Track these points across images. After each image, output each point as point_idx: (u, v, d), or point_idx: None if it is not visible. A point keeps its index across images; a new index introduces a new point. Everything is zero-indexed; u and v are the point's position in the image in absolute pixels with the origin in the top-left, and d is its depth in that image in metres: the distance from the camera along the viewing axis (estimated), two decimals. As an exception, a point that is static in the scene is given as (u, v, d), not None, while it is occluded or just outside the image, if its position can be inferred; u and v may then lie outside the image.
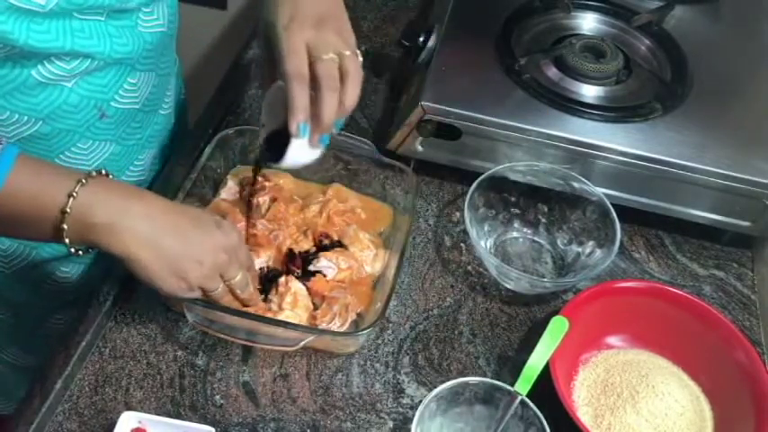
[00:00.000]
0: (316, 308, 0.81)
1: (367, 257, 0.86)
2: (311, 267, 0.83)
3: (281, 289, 0.80)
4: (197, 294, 0.72)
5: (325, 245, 0.86)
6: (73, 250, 0.67)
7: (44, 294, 0.93)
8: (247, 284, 0.75)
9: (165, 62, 0.88)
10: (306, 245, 0.86)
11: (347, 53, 0.74)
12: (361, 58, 0.75)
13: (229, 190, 0.91)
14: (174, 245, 0.68)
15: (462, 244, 0.94)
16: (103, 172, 0.69)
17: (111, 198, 0.67)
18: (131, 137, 0.87)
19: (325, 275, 0.83)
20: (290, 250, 0.84)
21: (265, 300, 0.80)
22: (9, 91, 0.72)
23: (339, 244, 0.86)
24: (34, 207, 0.65)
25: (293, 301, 0.79)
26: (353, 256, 0.85)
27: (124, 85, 0.80)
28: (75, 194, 0.64)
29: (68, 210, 0.64)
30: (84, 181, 0.65)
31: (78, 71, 0.74)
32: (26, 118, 0.75)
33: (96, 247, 0.67)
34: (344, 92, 0.72)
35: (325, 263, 0.83)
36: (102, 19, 0.73)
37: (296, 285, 0.81)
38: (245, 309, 0.77)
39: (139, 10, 0.77)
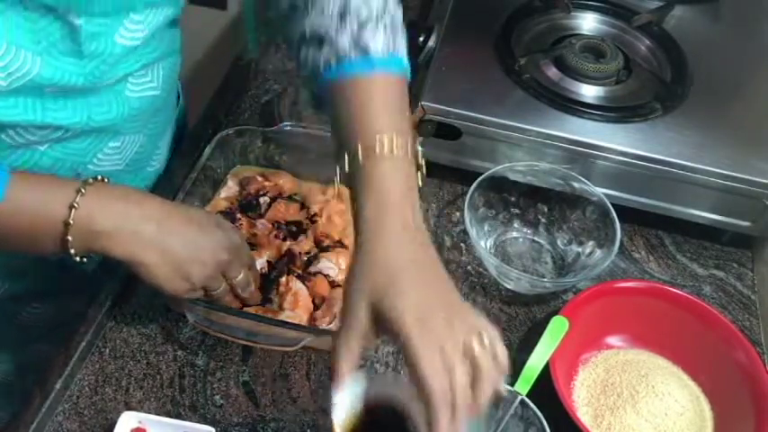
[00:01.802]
0: (317, 308, 0.81)
1: None
2: (312, 268, 0.83)
3: (281, 289, 0.80)
4: (199, 294, 0.72)
5: (326, 246, 0.86)
6: (78, 259, 0.66)
7: (15, 330, 0.91)
8: (249, 284, 0.76)
9: (156, 122, 0.83)
10: (306, 245, 0.86)
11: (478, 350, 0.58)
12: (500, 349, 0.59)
13: (229, 190, 0.91)
14: (178, 247, 0.68)
15: (462, 244, 0.93)
16: (99, 178, 0.67)
17: (112, 203, 0.66)
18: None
19: (326, 276, 0.83)
20: (290, 250, 0.84)
21: (266, 300, 0.80)
22: None
23: (340, 244, 0.86)
24: (35, 221, 0.64)
25: (293, 302, 0.79)
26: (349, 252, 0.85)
27: (104, 149, 0.77)
28: (76, 205, 0.63)
29: (71, 221, 0.63)
30: (83, 190, 0.64)
31: (51, 138, 0.72)
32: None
33: (100, 253, 0.66)
34: (477, 392, 0.57)
35: (326, 263, 0.83)
36: (78, 90, 0.69)
37: (296, 285, 0.81)
38: (245, 309, 0.77)
39: (130, 75, 0.73)
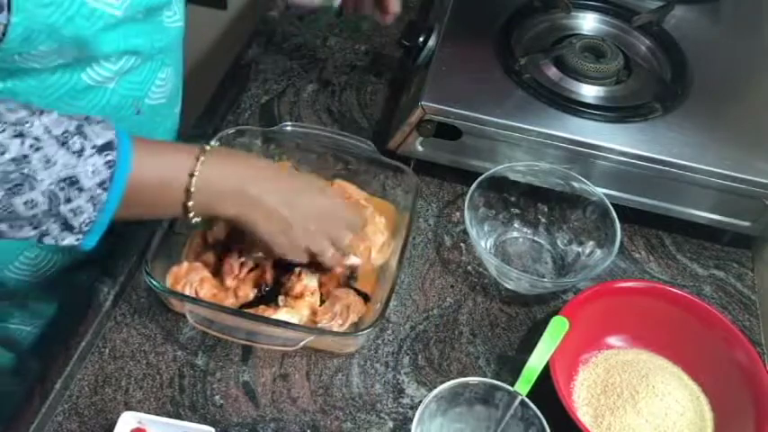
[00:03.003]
0: (323, 303, 0.81)
1: (377, 242, 0.86)
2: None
3: (292, 278, 0.80)
4: (305, 258, 0.77)
5: None
6: (195, 220, 0.71)
7: (68, 298, 0.94)
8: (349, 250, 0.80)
9: (180, 57, 0.92)
10: None
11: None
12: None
13: None
14: (283, 209, 0.73)
15: (462, 244, 0.94)
16: (213, 144, 0.73)
17: (226, 168, 0.72)
18: (155, 131, 0.90)
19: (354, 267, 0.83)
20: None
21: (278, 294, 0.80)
22: (59, 96, 0.75)
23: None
24: (160, 190, 0.69)
25: (300, 293, 0.79)
26: (366, 236, 0.85)
27: (156, 81, 0.85)
28: (197, 173, 0.69)
29: (192, 189, 0.69)
30: (201, 158, 0.69)
31: (123, 70, 0.78)
32: None
33: (214, 214, 0.72)
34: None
35: (353, 258, 0.83)
36: (141, 17, 0.76)
37: (308, 279, 0.80)
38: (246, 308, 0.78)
39: (164, 8, 0.80)
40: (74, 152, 0.62)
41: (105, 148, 0.63)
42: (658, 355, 0.83)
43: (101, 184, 0.63)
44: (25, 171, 0.60)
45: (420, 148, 0.96)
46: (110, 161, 0.63)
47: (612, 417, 0.76)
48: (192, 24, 0.93)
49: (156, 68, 0.84)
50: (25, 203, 0.61)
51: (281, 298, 0.79)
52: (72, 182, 0.62)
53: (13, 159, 0.59)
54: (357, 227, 0.81)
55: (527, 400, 0.71)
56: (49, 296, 0.95)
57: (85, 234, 0.65)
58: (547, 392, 0.73)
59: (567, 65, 0.98)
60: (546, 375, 0.74)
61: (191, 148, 0.70)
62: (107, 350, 0.79)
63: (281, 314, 0.78)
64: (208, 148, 0.70)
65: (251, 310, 0.78)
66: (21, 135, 0.60)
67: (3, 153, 0.59)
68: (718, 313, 0.82)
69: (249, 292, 0.80)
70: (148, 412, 0.74)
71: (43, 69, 0.72)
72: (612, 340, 0.84)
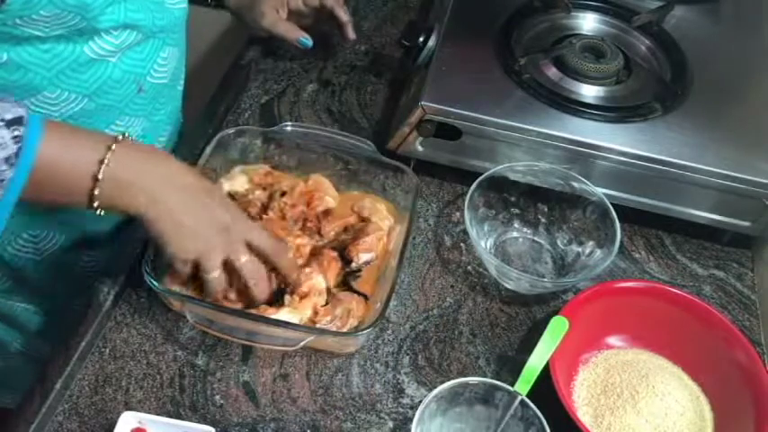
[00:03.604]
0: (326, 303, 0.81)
1: (387, 228, 0.87)
2: (354, 265, 0.83)
3: (301, 277, 0.80)
4: (186, 269, 0.73)
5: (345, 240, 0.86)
6: (99, 212, 0.69)
7: (71, 281, 0.97)
8: (255, 270, 0.75)
9: (183, 39, 0.93)
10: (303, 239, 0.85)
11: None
12: None
13: (234, 185, 0.90)
14: (185, 215, 0.71)
15: (462, 244, 0.94)
16: (126, 135, 0.70)
17: (137, 161, 0.69)
18: (158, 112, 0.92)
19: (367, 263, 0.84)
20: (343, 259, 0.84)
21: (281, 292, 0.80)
22: (62, 69, 0.76)
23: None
24: (66, 175, 0.67)
25: (306, 293, 0.79)
26: (378, 226, 0.85)
27: (158, 59, 0.86)
28: (106, 161, 0.67)
29: (100, 176, 0.66)
30: (113, 147, 0.67)
31: (124, 45, 0.80)
32: (74, 96, 0.79)
33: (120, 208, 0.69)
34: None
35: (364, 256, 0.83)
36: None
37: (317, 280, 0.80)
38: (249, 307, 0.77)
39: None
40: None
41: (14, 122, 0.62)
42: (658, 355, 0.83)
43: (6, 160, 0.61)
44: None
45: (420, 148, 0.96)
46: (17, 136, 0.61)
47: (612, 417, 0.76)
48: (192, 24, 0.94)
49: (159, 47, 0.86)
50: None
51: (287, 297, 0.79)
52: None
53: None
54: (265, 248, 0.76)
55: (527, 400, 0.71)
56: (51, 275, 0.96)
57: None
58: (547, 392, 0.73)
59: (567, 65, 0.98)
60: (546, 375, 0.74)
61: (104, 136, 0.69)
62: (107, 350, 0.79)
63: (282, 314, 0.78)
64: (121, 138, 0.69)
65: (251, 310, 0.78)
66: None
67: None
68: (718, 313, 0.82)
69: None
70: (149, 412, 0.74)
71: (46, 38, 0.73)
72: (612, 340, 0.84)
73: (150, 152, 0.73)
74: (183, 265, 0.73)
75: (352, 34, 1.08)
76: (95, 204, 0.68)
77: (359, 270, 0.84)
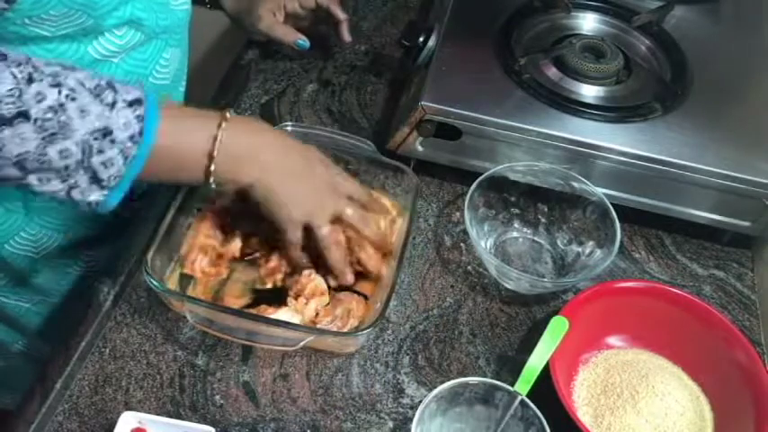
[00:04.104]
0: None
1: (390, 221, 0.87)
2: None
3: (302, 279, 0.80)
4: (299, 234, 0.77)
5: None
6: (213, 186, 0.72)
7: (70, 280, 0.98)
8: (363, 218, 0.80)
9: (185, 40, 0.94)
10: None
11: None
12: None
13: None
14: (293, 180, 0.75)
15: (462, 244, 0.94)
16: (231, 111, 0.73)
17: (246, 135, 0.73)
18: None
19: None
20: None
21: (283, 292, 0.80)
22: None
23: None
24: (182, 153, 0.70)
25: (311, 294, 0.79)
26: (376, 221, 0.85)
27: (160, 60, 0.87)
28: (219, 137, 0.70)
29: (215, 153, 0.70)
30: (223, 124, 0.71)
31: (128, 46, 0.81)
32: None
33: (232, 181, 0.73)
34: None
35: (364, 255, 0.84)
36: None
37: (318, 280, 0.80)
38: (251, 308, 0.78)
39: None
40: (107, 104, 0.64)
41: (135, 103, 0.65)
42: (658, 355, 0.83)
43: (131, 138, 0.65)
44: (62, 119, 0.61)
45: (420, 148, 0.96)
46: (139, 115, 0.65)
47: (612, 417, 0.76)
48: (192, 25, 0.94)
49: (161, 48, 0.86)
50: (60, 152, 0.62)
51: (290, 300, 0.79)
52: (105, 133, 0.63)
53: (51, 107, 0.61)
54: (364, 199, 0.82)
55: (527, 400, 0.71)
56: (50, 274, 0.96)
57: (111, 190, 0.66)
58: (547, 392, 0.73)
59: (567, 65, 0.98)
60: (546, 375, 0.74)
61: (214, 114, 0.72)
62: (107, 350, 0.79)
63: (282, 314, 0.78)
64: (228, 115, 0.72)
65: (251, 310, 0.78)
66: (58, 85, 0.62)
67: (41, 101, 0.61)
68: (718, 313, 0.82)
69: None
70: (149, 412, 0.74)
71: (52, 38, 0.73)
72: (612, 340, 0.84)
73: (255, 124, 0.77)
74: (296, 228, 0.76)
75: (347, 36, 1.09)
76: (211, 179, 0.71)
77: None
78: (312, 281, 0.80)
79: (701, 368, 0.81)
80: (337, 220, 0.78)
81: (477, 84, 0.95)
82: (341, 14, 1.07)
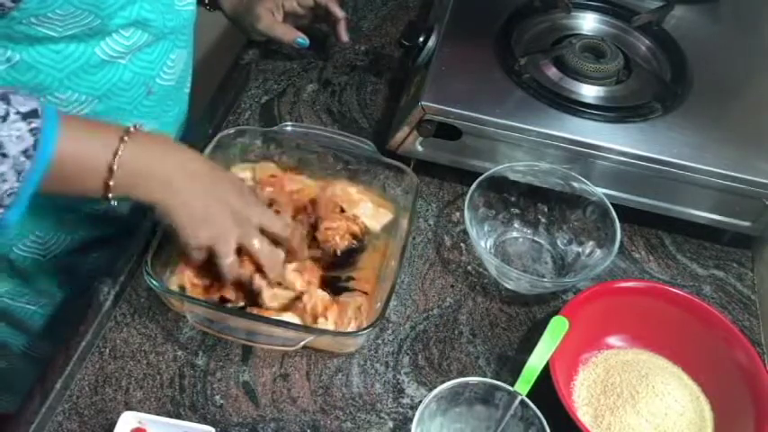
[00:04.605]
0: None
1: (366, 211, 0.86)
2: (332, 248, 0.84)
3: (308, 306, 0.79)
4: (203, 255, 0.74)
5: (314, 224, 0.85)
6: (113, 203, 0.70)
7: (75, 282, 0.97)
8: (272, 253, 0.77)
9: (190, 41, 0.93)
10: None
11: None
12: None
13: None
14: (200, 203, 0.72)
15: (462, 244, 0.94)
16: (138, 126, 0.71)
17: (149, 151, 0.71)
18: (166, 114, 0.92)
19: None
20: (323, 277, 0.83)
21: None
22: (73, 70, 0.77)
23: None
24: (82, 166, 0.68)
25: (323, 311, 0.78)
26: (354, 219, 0.85)
27: (167, 61, 0.87)
28: (120, 151, 0.68)
29: (115, 167, 0.68)
30: (125, 138, 0.69)
31: (135, 47, 0.81)
32: (84, 97, 0.80)
33: (134, 198, 0.71)
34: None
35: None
36: None
37: (316, 295, 0.79)
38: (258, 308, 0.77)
39: None
40: None
41: (30, 115, 0.62)
42: (658, 355, 0.83)
43: (24, 152, 0.62)
44: None
45: (420, 148, 0.96)
46: (34, 128, 0.62)
47: (612, 417, 0.76)
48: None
49: (168, 49, 0.86)
50: None
51: (308, 315, 0.78)
52: None
53: None
54: (280, 233, 0.78)
55: (527, 399, 0.71)
56: (57, 276, 0.96)
57: (7, 207, 0.63)
58: (547, 392, 0.73)
59: (567, 65, 0.98)
60: (546, 375, 0.74)
61: (117, 127, 0.70)
62: (107, 350, 0.79)
63: (283, 314, 0.78)
64: (133, 129, 0.70)
65: (252, 310, 0.78)
66: None
67: None
68: (718, 313, 0.82)
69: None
70: (149, 412, 0.74)
71: (59, 39, 0.73)
72: (612, 340, 0.84)
73: (162, 142, 0.75)
74: (198, 252, 0.74)
75: (344, 36, 1.08)
76: (110, 195, 0.69)
77: (348, 278, 0.83)
78: (312, 299, 0.79)
79: (701, 368, 0.81)
80: (245, 250, 0.76)
81: (477, 84, 0.95)
82: (339, 13, 1.07)
